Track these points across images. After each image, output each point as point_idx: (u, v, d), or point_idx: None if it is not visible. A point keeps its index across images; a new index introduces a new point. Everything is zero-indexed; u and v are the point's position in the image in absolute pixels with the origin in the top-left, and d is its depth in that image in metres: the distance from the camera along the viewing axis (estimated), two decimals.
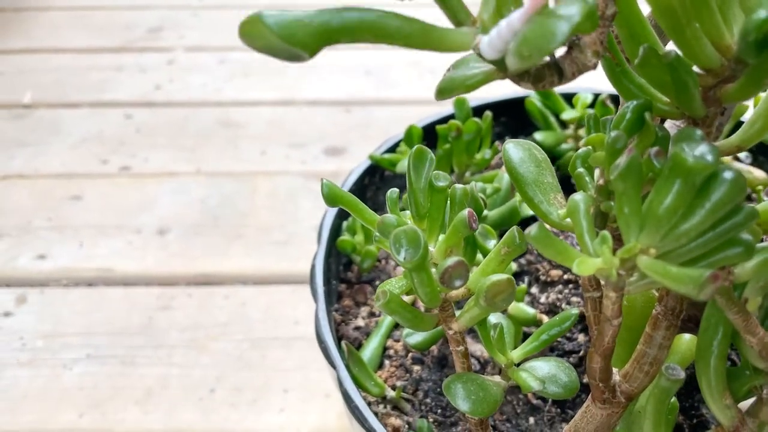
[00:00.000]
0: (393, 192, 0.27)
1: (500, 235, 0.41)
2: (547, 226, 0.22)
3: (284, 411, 0.62)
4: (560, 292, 0.40)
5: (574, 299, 0.39)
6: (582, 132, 0.50)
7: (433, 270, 0.25)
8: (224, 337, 0.69)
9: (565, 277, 0.40)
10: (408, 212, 0.27)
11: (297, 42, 0.20)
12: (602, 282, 0.22)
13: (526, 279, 0.42)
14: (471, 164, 0.45)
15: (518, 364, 0.29)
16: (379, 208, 0.50)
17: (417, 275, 0.24)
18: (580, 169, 0.25)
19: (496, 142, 0.47)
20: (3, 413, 0.61)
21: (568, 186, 0.52)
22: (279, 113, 1.01)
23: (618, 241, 0.25)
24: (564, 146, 0.50)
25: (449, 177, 0.25)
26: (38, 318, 0.70)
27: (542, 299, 0.40)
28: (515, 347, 0.30)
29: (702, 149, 0.19)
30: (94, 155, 0.92)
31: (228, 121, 0.99)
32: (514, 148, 0.27)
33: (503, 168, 0.44)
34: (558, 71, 0.24)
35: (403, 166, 0.45)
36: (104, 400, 0.63)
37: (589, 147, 0.24)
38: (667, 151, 0.22)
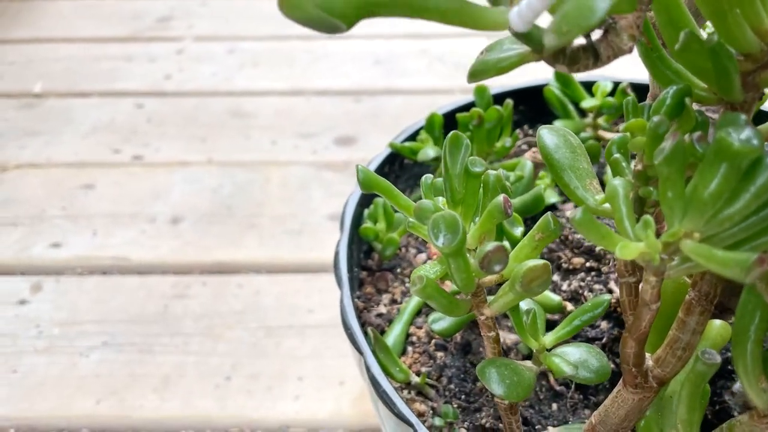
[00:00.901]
0: (427, 177, 0.27)
1: (523, 221, 0.41)
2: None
3: (299, 398, 0.62)
4: (582, 279, 0.40)
5: (597, 287, 0.39)
6: (601, 120, 0.50)
7: (468, 255, 0.25)
8: (239, 325, 0.69)
9: (587, 264, 0.41)
10: (441, 198, 0.27)
11: (336, 13, 0.21)
12: (643, 266, 0.23)
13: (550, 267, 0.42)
14: (491, 152, 0.46)
15: (549, 350, 0.29)
16: None
17: (454, 260, 0.24)
18: (617, 155, 0.25)
19: (517, 130, 0.47)
20: (21, 400, 0.62)
21: None
22: (289, 103, 1.01)
23: (657, 220, 0.25)
24: (583, 134, 0.50)
25: (485, 162, 0.26)
26: (54, 306, 0.71)
27: (564, 287, 0.40)
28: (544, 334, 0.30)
29: (747, 133, 0.19)
30: (105, 144, 0.92)
31: (238, 110, 0.99)
32: (548, 134, 0.27)
33: (525, 155, 0.44)
34: (594, 54, 0.24)
35: (425, 154, 0.45)
36: (122, 388, 0.63)
37: (626, 133, 0.24)
38: (707, 133, 0.22)
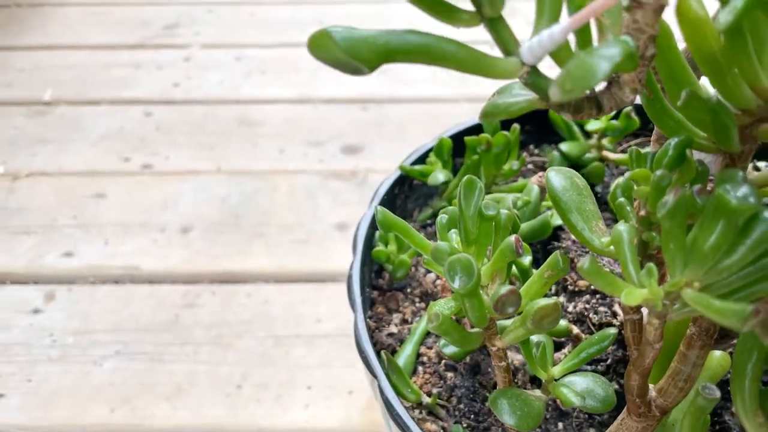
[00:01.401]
0: (443, 218, 0.29)
1: (531, 250, 0.43)
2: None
3: (309, 407, 0.64)
4: (588, 302, 0.41)
5: (602, 309, 0.41)
6: (605, 141, 0.52)
7: (481, 292, 0.26)
8: (248, 334, 0.70)
9: (593, 287, 0.42)
10: (454, 235, 0.28)
11: (360, 58, 0.22)
12: (646, 309, 0.24)
13: (554, 288, 0.43)
14: (499, 174, 0.47)
15: (557, 380, 0.30)
16: (407, 215, 0.52)
17: (469, 300, 0.26)
18: (621, 199, 0.26)
19: (524, 153, 0.49)
20: (36, 409, 0.63)
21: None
22: (296, 111, 1.02)
23: (658, 263, 0.26)
24: (588, 156, 0.51)
25: (497, 206, 0.27)
26: (67, 315, 0.72)
27: (570, 308, 0.41)
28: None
29: (744, 191, 0.21)
30: (115, 153, 0.93)
31: (246, 119, 1.00)
32: (556, 177, 0.28)
33: (531, 180, 0.45)
34: (597, 104, 0.25)
35: (435, 178, 0.46)
36: (134, 396, 0.64)
37: (630, 178, 0.25)
38: (706, 185, 0.24)
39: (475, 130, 0.52)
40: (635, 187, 0.25)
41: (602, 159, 0.52)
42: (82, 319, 0.71)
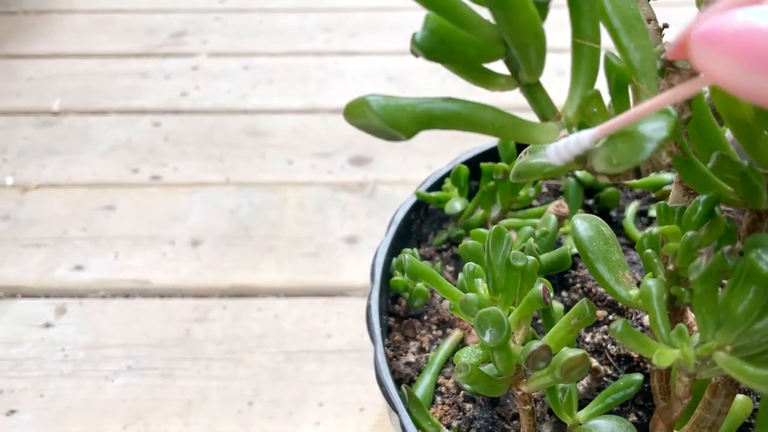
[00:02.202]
0: (470, 266, 0.29)
1: (547, 277, 0.43)
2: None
3: (320, 424, 0.64)
4: (605, 332, 0.42)
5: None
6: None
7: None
8: (259, 349, 0.71)
9: (610, 318, 0.42)
10: (482, 282, 0.29)
11: (399, 126, 0.23)
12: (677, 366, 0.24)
13: None
14: (515, 201, 0.47)
15: (581, 424, 0.31)
16: (422, 239, 0.52)
17: (498, 353, 0.26)
18: (649, 251, 0.26)
19: (540, 182, 0.49)
20: (50, 425, 0.63)
21: (606, 217, 0.54)
22: (304, 121, 1.02)
23: (683, 315, 0.27)
24: (603, 180, 0.51)
25: (526, 257, 0.27)
26: (78, 329, 0.72)
27: (587, 338, 0.42)
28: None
29: None
30: (124, 164, 0.94)
31: (254, 129, 1.00)
32: (582, 225, 0.28)
33: (549, 209, 0.46)
34: (635, 170, 0.26)
35: (452, 207, 0.46)
36: (146, 412, 0.65)
37: (658, 231, 0.26)
38: (734, 243, 0.24)
39: (491, 154, 0.52)
40: (661, 239, 0.25)
41: (616, 183, 0.52)
42: (94, 334, 0.72)
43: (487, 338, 0.25)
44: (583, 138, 0.22)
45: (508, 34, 0.23)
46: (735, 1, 0.17)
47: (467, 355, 0.28)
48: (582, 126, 0.24)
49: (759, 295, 0.20)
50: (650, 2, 0.30)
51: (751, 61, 0.14)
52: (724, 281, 0.23)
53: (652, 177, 0.50)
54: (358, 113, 0.22)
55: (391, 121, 0.21)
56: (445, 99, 0.24)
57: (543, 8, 0.24)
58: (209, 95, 1.07)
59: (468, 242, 0.33)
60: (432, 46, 0.23)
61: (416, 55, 0.25)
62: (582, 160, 0.24)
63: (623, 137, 0.20)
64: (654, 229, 0.26)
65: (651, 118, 0.21)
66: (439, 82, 1.11)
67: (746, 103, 0.22)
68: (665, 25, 0.30)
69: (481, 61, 0.25)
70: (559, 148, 0.22)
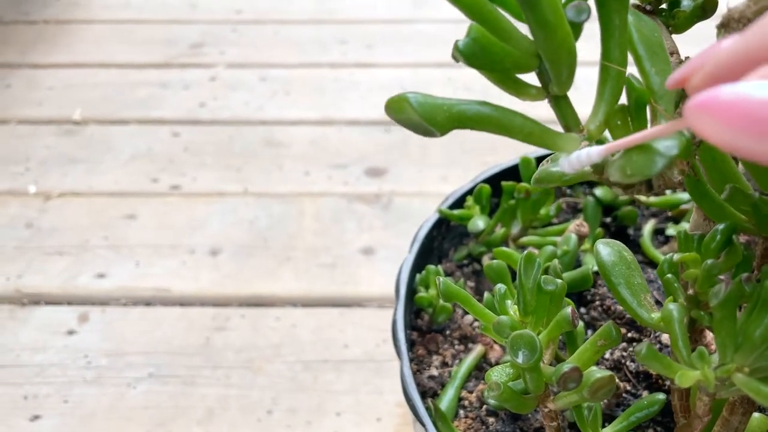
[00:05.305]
0: (501, 288, 0.30)
1: (567, 295, 0.44)
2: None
3: None
4: (624, 350, 0.43)
5: None
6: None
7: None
8: (277, 358, 0.72)
9: (629, 335, 0.44)
10: (512, 304, 0.30)
11: (435, 123, 0.24)
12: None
13: (590, 334, 0.45)
14: (535, 219, 0.49)
15: None
16: (443, 255, 0.53)
17: (530, 373, 0.27)
18: (669, 276, 0.28)
19: (560, 200, 0.51)
20: (73, 430, 0.65)
21: (623, 235, 0.55)
22: (320, 132, 1.04)
23: (701, 334, 0.28)
24: (621, 198, 0.53)
25: (556, 281, 0.29)
26: (101, 336, 0.74)
27: (607, 355, 0.43)
28: None
29: None
30: (144, 173, 0.95)
31: (271, 140, 1.02)
32: (605, 250, 0.30)
33: (569, 228, 0.47)
34: (647, 183, 0.27)
35: (475, 225, 0.48)
36: (168, 420, 0.66)
37: (679, 258, 0.27)
38: (751, 270, 0.25)
39: (512, 171, 0.53)
40: (680, 265, 0.26)
41: (634, 201, 0.54)
42: (116, 341, 0.73)
43: (520, 360, 0.26)
44: (594, 153, 0.23)
45: (543, 50, 0.25)
46: (716, 70, 0.19)
47: (498, 374, 0.29)
48: (600, 141, 0.26)
49: None
50: (672, 36, 0.32)
51: (739, 125, 0.17)
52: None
53: (669, 196, 0.52)
54: (399, 108, 0.24)
55: (428, 118, 0.23)
56: (480, 102, 0.26)
57: (577, 28, 0.25)
58: (227, 106, 1.09)
59: (493, 262, 0.35)
60: (473, 53, 0.25)
61: (456, 60, 0.27)
62: (599, 170, 0.25)
63: (638, 151, 0.22)
64: (675, 256, 0.27)
65: (667, 139, 0.22)
66: (452, 95, 1.12)
67: None
68: (687, 58, 0.32)
69: (516, 72, 0.27)
70: (572, 159, 0.24)
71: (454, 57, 0.27)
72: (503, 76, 0.26)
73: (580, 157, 0.24)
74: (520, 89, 0.27)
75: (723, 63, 0.19)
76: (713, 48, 0.21)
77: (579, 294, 0.48)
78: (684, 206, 0.52)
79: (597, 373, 0.27)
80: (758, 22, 0.19)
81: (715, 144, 0.18)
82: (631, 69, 0.28)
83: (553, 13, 0.22)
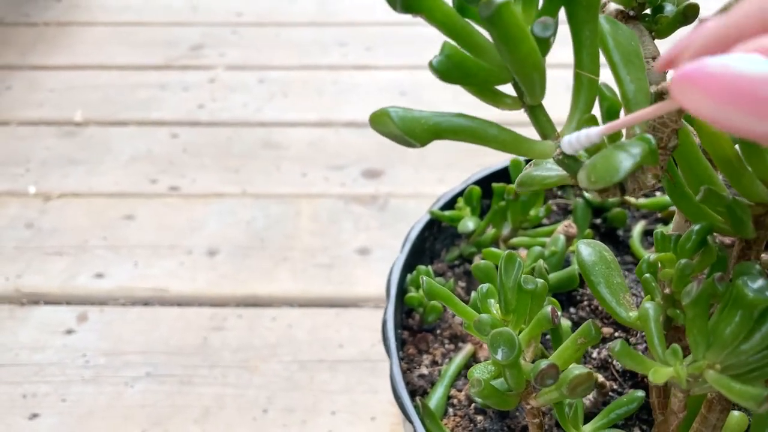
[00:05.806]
0: (484, 287, 0.31)
1: (556, 295, 0.45)
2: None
3: None
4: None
5: None
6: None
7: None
8: (274, 358, 0.73)
9: (616, 334, 0.44)
10: (494, 303, 0.31)
11: (414, 135, 0.25)
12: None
13: None
14: (525, 220, 0.49)
15: None
16: (435, 255, 0.54)
17: (510, 370, 0.28)
18: (647, 275, 0.28)
19: (549, 201, 0.51)
20: (71, 429, 0.66)
21: (613, 236, 0.56)
22: (318, 134, 1.05)
23: (683, 332, 0.29)
24: (611, 199, 0.54)
25: (536, 281, 0.29)
26: (100, 336, 0.75)
27: (594, 354, 0.43)
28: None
29: (760, 284, 0.23)
30: (144, 174, 0.96)
31: (270, 141, 1.03)
32: (586, 250, 0.30)
33: (558, 230, 0.48)
34: (621, 187, 0.28)
35: (465, 226, 0.49)
36: (165, 418, 0.67)
37: (655, 257, 0.28)
38: (725, 270, 0.26)
39: (503, 173, 0.54)
40: (659, 264, 0.27)
41: (623, 203, 0.55)
42: (114, 341, 0.74)
43: (499, 356, 0.27)
44: (592, 133, 0.24)
45: (510, 65, 0.25)
46: (703, 48, 0.19)
47: (480, 371, 0.30)
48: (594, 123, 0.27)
49: (745, 319, 0.22)
50: (655, 41, 0.33)
51: (723, 97, 0.17)
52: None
53: (659, 198, 0.52)
54: (381, 122, 0.25)
55: (408, 131, 0.24)
56: (456, 114, 0.27)
57: (544, 43, 0.26)
58: (226, 108, 1.09)
59: (481, 262, 0.35)
60: (447, 70, 0.26)
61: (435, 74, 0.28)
62: (574, 174, 0.26)
63: (602, 158, 0.22)
64: (652, 256, 0.28)
65: (631, 143, 0.23)
66: (451, 97, 1.13)
67: (729, 143, 0.24)
68: None
69: (491, 84, 0.28)
70: (572, 140, 0.25)
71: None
72: (479, 88, 0.27)
73: (579, 138, 0.25)
74: (497, 99, 0.28)
75: (710, 40, 0.20)
76: (700, 27, 0.21)
77: (568, 294, 0.48)
78: (673, 208, 0.53)
79: (575, 369, 0.28)
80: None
81: (699, 117, 0.18)
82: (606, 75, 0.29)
83: (516, 29, 0.23)
